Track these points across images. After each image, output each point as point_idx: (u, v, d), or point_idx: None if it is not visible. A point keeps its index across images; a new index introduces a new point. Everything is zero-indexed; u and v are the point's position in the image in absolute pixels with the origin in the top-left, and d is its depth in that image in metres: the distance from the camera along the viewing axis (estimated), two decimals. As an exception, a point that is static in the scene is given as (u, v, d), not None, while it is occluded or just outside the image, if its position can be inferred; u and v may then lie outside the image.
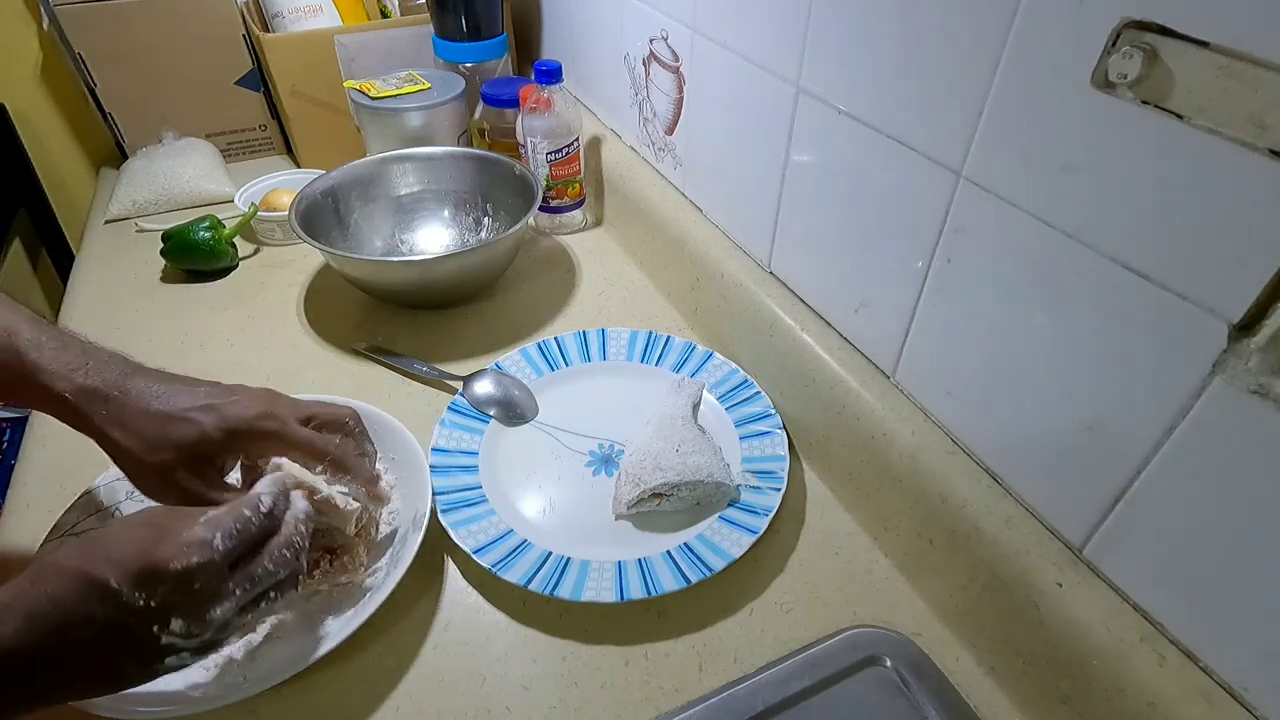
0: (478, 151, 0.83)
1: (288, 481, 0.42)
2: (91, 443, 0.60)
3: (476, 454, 0.59)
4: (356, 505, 0.46)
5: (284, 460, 0.44)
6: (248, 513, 0.38)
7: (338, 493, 0.45)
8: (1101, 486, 0.38)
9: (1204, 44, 0.29)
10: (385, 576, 0.48)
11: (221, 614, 0.35)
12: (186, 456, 0.43)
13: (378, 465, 0.53)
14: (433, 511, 0.52)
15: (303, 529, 0.40)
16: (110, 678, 0.35)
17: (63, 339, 0.43)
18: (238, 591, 0.36)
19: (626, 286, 0.81)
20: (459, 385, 0.65)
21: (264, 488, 0.40)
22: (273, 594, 0.38)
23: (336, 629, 0.45)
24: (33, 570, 0.34)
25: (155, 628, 0.33)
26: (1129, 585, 0.39)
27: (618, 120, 0.87)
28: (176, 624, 0.34)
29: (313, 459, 0.45)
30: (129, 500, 0.53)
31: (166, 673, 0.35)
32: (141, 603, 0.33)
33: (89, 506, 0.52)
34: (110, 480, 0.53)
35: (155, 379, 0.44)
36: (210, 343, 0.72)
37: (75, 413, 0.42)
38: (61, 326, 0.45)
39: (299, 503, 0.41)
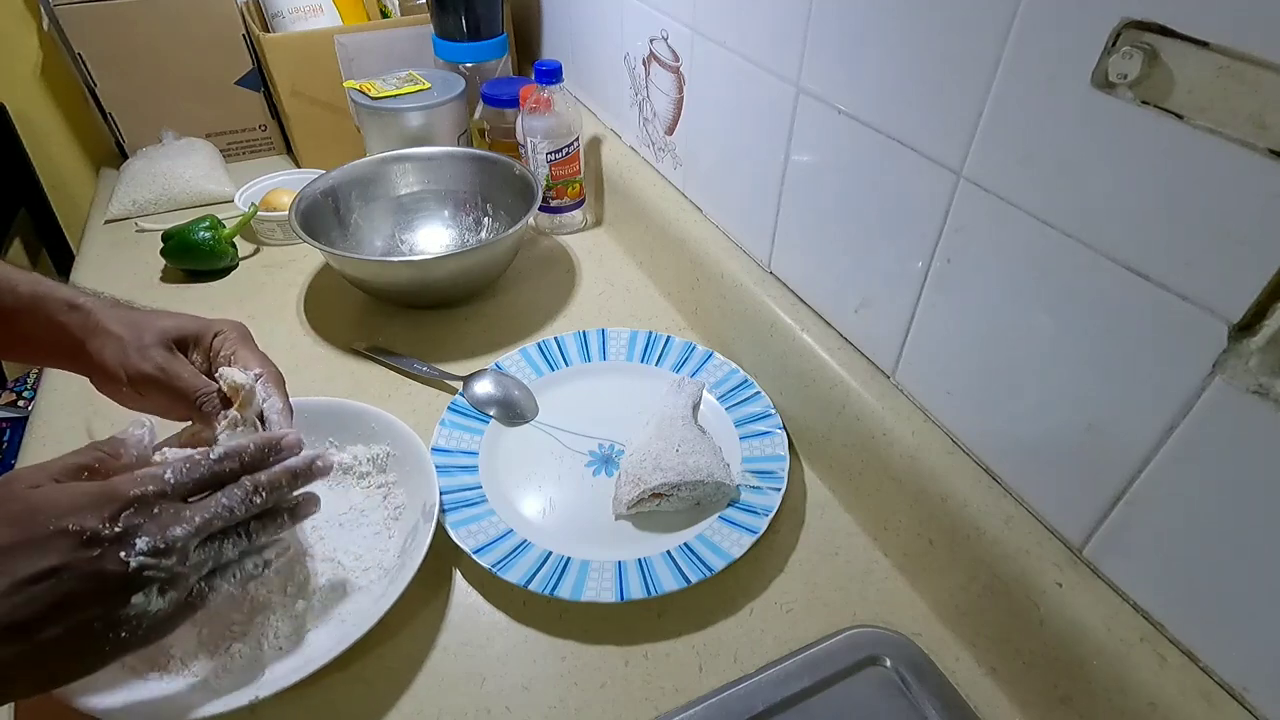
0: (478, 151, 0.83)
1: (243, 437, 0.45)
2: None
3: (476, 454, 0.59)
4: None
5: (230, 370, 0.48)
6: (196, 455, 0.40)
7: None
8: (1101, 486, 0.38)
9: (1204, 44, 0.29)
10: (399, 570, 0.48)
11: (183, 534, 0.36)
12: (168, 340, 0.48)
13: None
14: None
15: (261, 481, 0.41)
16: (78, 642, 0.34)
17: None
18: (196, 518, 0.37)
19: (626, 286, 0.81)
20: (459, 385, 0.65)
21: (220, 441, 0.44)
22: (234, 538, 0.40)
23: (350, 627, 0.45)
24: None
25: (122, 553, 0.35)
26: (1129, 585, 0.39)
27: (618, 120, 0.87)
28: (141, 542, 0.35)
29: (268, 367, 0.50)
30: None
31: (138, 628, 0.35)
32: (105, 529, 0.34)
33: None
34: None
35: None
36: (210, 343, 0.72)
37: (83, 319, 0.47)
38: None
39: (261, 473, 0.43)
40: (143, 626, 0.36)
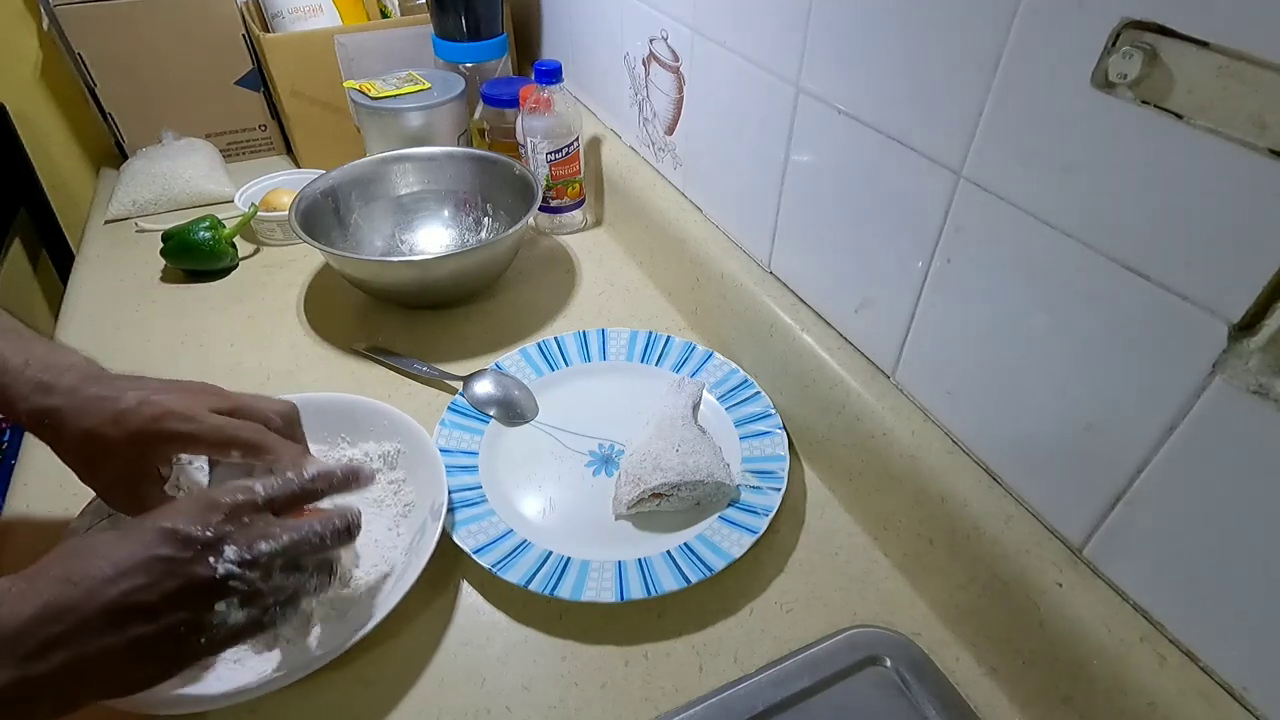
0: (478, 151, 0.83)
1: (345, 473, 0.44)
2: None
3: (476, 454, 0.59)
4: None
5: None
6: (290, 475, 0.41)
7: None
8: (1101, 486, 0.38)
9: (1204, 44, 0.29)
10: (406, 568, 0.49)
11: (268, 549, 0.37)
12: (115, 474, 0.45)
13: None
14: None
15: (348, 519, 0.42)
16: (160, 643, 0.34)
17: (29, 350, 0.44)
18: (284, 537, 0.38)
19: (626, 286, 0.81)
20: (459, 385, 0.65)
21: (317, 463, 0.44)
22: (310, 566, 0.40)
23: (356, 624, 0.45)
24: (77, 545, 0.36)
25: (211, 559, 0.36)
26: (1129, 585, 0.39)
27: (618, 120, 0.87)
28: (230, 550, 0.36)
29: (222, 449, 0.45)
30: None
31: (215, 638, 0.36)
32: (199, 533, 0.36)
33: (102, 510, 0.51)
34: None
35: (100, 387, 0.44)
36: (210, 343, 0.72)
37: (33, 429, 0.44)
38: (31, 331, 0.46)
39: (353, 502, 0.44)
40: (218, 637, 0.36)
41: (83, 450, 0.43)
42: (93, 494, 0.51)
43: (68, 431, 0.43)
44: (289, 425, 0.48)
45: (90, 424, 0.43)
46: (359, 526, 0.43)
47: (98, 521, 0.50)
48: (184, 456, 0.48)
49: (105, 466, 0.44)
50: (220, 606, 0.36)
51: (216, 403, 0.46)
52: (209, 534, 0.36)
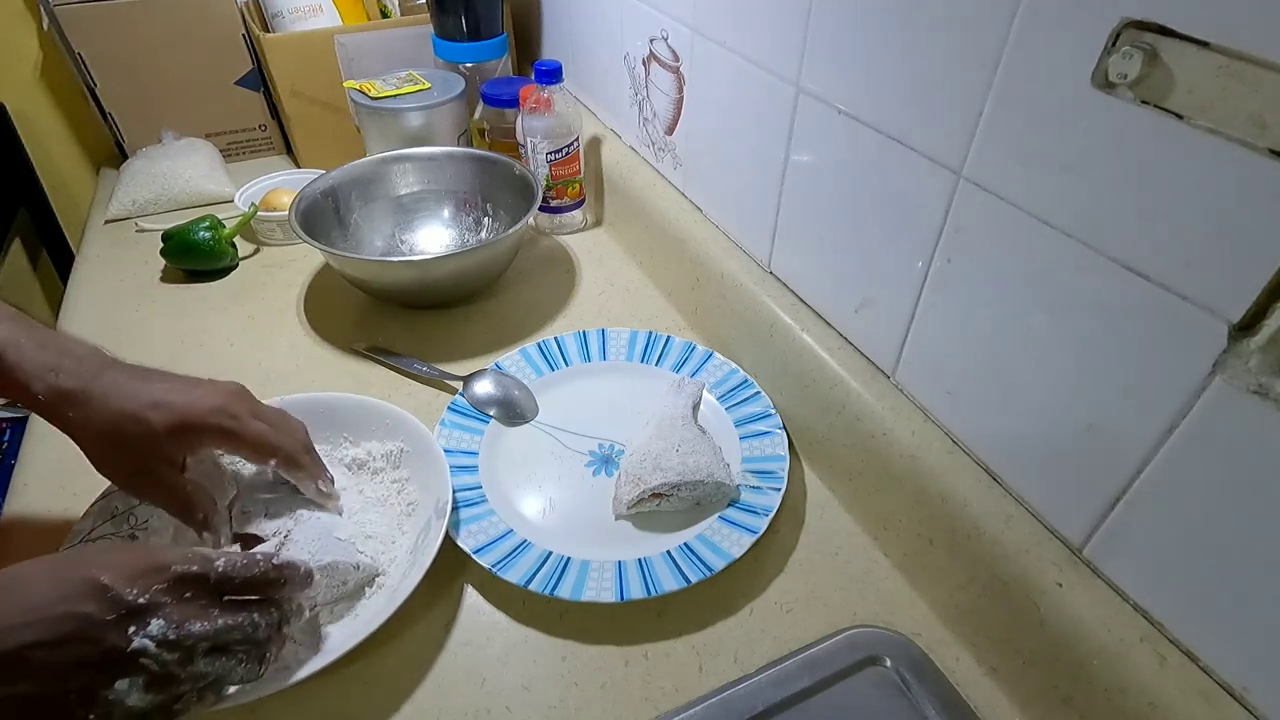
0: (478, 151, 0.83)
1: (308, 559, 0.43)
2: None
3: (476, 454, 0.59)
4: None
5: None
6: (259, 557, 0.38)
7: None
8: (1101, 486, 0.38)
9: (1204, 44, 0.29)
10: (410, 567, 0.49)
11: (199, 632, 0.34)
12: (141, 455, 0.43)
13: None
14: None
15: (300, 606, 0.41)
16: (41, 707, 0.31)
17: (41, 337, 0.43)
18: (220, 621, 0.35)
19: (626, 286, 0.81)
20: (459, 385, 0.65)
21: (292, 550, 0.42)
22: (240, 652, 0.37)
23: (362, 623, 0.45)
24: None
25: (132, 629, 0.32)
26: (1129, 585, 0.39)
27: (618, 120, 0.87)
28: (155, 625, 0.33)
29: (263, 456, 0.46)
30: (145, 505, 0.52)
31: (108, 716, 0.32)
32: (130, 596, 0.32)
33: (105, 512, 0.51)
34: None
35: (125, 374, 0.44)
36: (210, 343, 0.72)
37: (48, 411, 0.43)
38: (40, 323, 0.45)
39: (317, 583, 0.42)
40: (111, 717, 0.32)
41: (111, 434, 0.42)
42: (95, 496, 0.51)
43: (95, 414, 0.42)
44: (309, 446, 0.50)
45: (125, 407, 0.42)
46: (289, 622, 0.40)
47: (100, 524, 0.50)
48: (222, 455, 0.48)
49: (134, 451, 0.43)
50: (121, 685, 0.32)
51: (254, 408, 0.47)
52: (141, 600, 0.33)
